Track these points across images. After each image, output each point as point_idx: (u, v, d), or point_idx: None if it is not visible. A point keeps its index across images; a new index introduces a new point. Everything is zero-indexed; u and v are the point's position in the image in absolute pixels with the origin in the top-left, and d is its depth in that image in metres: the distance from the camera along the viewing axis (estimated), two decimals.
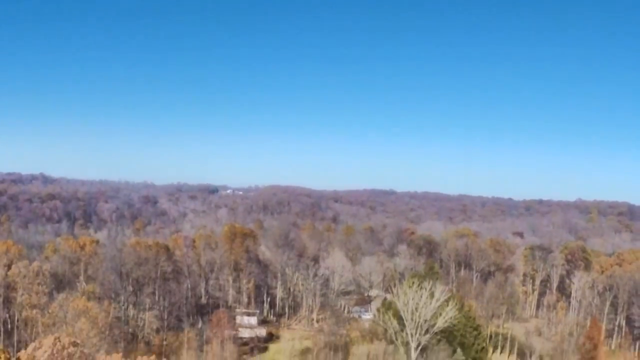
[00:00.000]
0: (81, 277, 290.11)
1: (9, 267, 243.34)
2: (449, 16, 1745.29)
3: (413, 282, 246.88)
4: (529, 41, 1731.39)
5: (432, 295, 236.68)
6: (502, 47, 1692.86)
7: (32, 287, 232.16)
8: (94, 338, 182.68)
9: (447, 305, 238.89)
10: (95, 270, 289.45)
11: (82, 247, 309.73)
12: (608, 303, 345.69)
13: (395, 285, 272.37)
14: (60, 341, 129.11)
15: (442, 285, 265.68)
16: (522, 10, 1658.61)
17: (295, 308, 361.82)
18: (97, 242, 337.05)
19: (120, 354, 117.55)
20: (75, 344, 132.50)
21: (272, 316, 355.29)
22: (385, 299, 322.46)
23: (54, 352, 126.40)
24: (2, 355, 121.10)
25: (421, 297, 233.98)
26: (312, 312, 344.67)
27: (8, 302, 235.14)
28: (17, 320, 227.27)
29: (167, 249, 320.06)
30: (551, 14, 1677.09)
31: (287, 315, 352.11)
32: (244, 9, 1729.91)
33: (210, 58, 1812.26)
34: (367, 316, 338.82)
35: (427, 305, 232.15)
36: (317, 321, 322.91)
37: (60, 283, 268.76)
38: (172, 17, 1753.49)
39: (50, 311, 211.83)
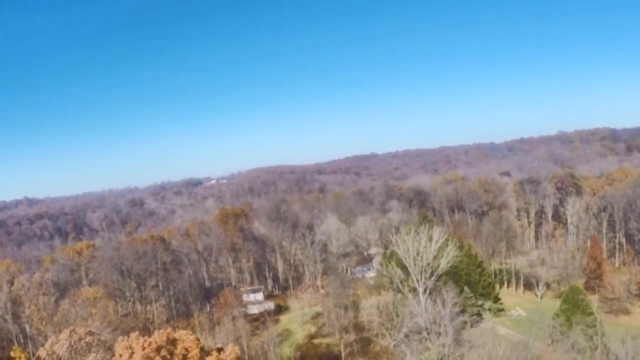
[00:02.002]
0: (84, 282, 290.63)
1: (11, 283, 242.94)
2: None
3: (410, 229, 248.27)
4: None
5: (430, 238, 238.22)
6: None
7: (38, 298, 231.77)
8: (108, 328, 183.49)
9: (447, 246, 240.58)
10: (96, 273, 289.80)
11: (80, 253, 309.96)
12: (605, 223, 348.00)
13: (393, 235, 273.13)
14: (76, 333, 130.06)
15: (438, 228, 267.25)
16: None
17: (298, 279, 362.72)
18: (94, 245, 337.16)
19: (138, 333, 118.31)
20: (91, 333, 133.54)
21: (277, 290, 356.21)
22: (385, 252, 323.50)
23: (72, 343, 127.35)
24: (22, 355, 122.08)
25: (420, 241, 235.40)
26: (315, 279, 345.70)
27: (17, 317, 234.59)
28: (29, 332, 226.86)
29: (163, 240, 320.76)
30: None
31: (291, 287, 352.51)
32: None
33: (176, 56, 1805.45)
34: (371, 274, 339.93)
35: (428, 248, 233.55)
36: (322, 287, 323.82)
37: (64, 291, 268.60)
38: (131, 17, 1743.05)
39: (60, 309, 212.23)
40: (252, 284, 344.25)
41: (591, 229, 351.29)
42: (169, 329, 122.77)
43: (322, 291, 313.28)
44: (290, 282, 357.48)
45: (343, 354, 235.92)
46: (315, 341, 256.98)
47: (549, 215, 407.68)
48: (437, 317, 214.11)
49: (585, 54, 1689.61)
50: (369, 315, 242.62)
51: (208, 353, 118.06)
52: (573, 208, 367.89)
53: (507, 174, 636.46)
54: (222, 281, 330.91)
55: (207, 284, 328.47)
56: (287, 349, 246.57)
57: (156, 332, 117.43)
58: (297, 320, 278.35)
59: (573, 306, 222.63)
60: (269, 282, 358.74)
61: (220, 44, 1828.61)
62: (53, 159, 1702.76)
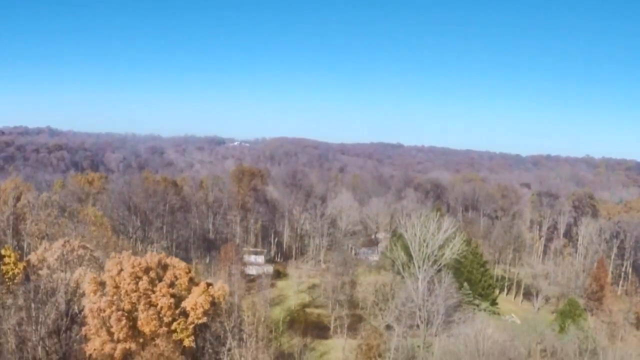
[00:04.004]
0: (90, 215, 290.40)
1: (18, 199, 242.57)
2: None
3: (421, 214, 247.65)
4: None
5: (439, 227, 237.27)
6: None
7: (41, 216, 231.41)
8: (104, 250, 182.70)
9: (455, 238, 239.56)
10: (103, 204, 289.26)
11: (91, 183, 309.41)
12: (615, 249, 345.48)
13: (403, 218, 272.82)
14: (69, 244, 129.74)
15: (449, 218, 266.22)
16: None
17: (302, 249, 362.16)
18: (106, 177, 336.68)
19: (130, 252, 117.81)
20: (84, 247, 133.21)
21: (279, 258, 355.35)
22: (394, 231, 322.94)
23: (64, 253, 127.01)
24: (12, 255, 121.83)
25: (429, 228, 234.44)
26: (319, 252, 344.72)
27: (17, 232, 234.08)
28: (26, 248, 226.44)
29: (175, 184, 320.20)
30: None
31: (294, 256, 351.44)
32: None
33: (217, 10, 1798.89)
34: (374, 258, 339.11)
35: (435, 235, 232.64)
36: (324, 262, 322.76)
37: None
38: None
39: (60, 222, 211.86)
40: (255, 246, 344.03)
41: (600, 253, 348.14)
42: (162, 254, 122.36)
43: (323, 265, 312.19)
44: (294, 251, 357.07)
45: (332, 325, 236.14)
46: (307, 310, 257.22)
47: (561, 231, 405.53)
48: (431, 297, 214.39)
49: (624, 88, 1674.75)
50: (365, 292, 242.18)
51: (196, 284, 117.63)
52: (586, 229, 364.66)
53: (527, 185, 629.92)
54: (227, 236, 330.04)
55: (211, 235, 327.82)
56: (277, 312, 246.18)
57: (149, 254, 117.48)
58: (293, 288, 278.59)
59: (568, 317, 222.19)
60: (273, 248, 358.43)
61: (267, 12, 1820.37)
62: (82, 93, 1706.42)
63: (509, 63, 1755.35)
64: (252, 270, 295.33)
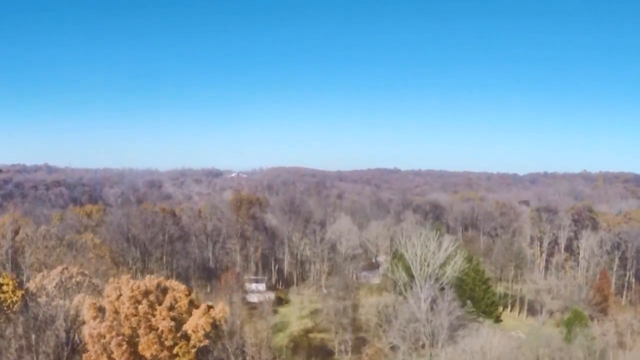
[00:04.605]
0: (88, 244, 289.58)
1: (16, 232, 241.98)
2: None
3: (421, 234, 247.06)
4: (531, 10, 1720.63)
5: (440, 246, 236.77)
6: (505, 20, 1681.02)
7: (40, 249, 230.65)
8: (104, 277, 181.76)
9: (456, 255, 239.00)
10: (102, 236, 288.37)
11: (89, 215, 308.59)
12: (617, 260, 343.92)
13: (402, 237, 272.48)
14: (68, 270, 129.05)
15: (450, 236, 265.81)
16: None
17: (303, 275, 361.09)
18: (104, 210, 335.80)
19: (129, 276, 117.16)
20: (83, 274, 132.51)
21: (280, 285, 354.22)
22: (395, 252, 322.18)
23: (62, 280, 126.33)
24: (11, 283, 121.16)
25: (429, 247, 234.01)
26: (320, 278, 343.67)
27: (16, 266, 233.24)
28: (27, 280, 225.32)
29: (173, 214, 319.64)
30: None
31: (295, 283, 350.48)
32: None
33: (209, 41, 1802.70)
34: (376, 281, 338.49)
35: (436, 254, 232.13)
36: (326, 287, 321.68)
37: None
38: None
39: (58, 251, 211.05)
40: (256, 273, 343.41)
41: (602, 264, 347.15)
42: (162, 278, 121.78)
43: (325, 291, 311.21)
44: (295, 277, 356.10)
45: (336, 349, 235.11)
46: (311, 335, 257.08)
47: (562, 246, 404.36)
48: (435, 314, 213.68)
49: (618, 101, 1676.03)
50: (368, 314, 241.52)
51: (197, 307, 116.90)
52: (587, 241, 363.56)
53: (526, 203, 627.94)
54: (227, 265, 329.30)
55: (212, 265, 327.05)
56: (280, 338, 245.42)
57: (147, 277, 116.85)
58: (296, 314, 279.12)
59: (574, 325, 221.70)
60: (274, 275, 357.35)
61: (260, 36, 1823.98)
62: (78, 131, 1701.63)
63: (503, 83, 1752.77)
64: (253, 298, 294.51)
